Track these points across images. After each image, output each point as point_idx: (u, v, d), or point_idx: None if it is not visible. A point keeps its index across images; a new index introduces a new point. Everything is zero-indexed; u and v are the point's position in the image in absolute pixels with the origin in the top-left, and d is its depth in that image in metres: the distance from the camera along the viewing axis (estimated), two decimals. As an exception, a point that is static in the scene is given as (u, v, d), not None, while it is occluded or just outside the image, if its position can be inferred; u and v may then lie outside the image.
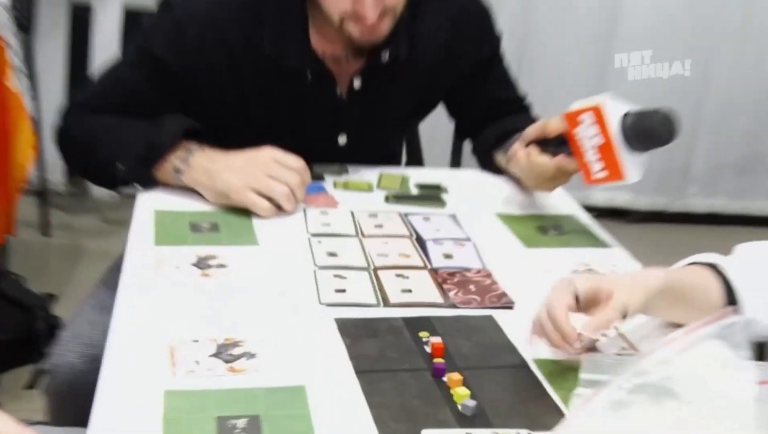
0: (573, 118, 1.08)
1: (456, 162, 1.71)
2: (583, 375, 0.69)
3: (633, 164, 1.05)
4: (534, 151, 1.15)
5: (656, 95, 2.90)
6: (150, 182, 1.17)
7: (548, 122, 1.14)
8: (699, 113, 3.04)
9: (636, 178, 1.05)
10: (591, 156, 1.07)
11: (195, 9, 1.18)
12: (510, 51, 1.46)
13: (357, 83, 1.25)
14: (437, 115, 1.49)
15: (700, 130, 3.07)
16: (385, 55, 1.23)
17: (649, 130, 1.03)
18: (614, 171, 1.05)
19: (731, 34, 2.93)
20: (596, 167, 1.07)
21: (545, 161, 1.13)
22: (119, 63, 1.24)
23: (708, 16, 2.87)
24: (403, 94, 1.30)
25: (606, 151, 1.05)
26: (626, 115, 1.04)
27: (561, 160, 1.12)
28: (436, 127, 1.62)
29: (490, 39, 1.34)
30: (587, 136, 1.06)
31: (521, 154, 1.16)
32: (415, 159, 1.76)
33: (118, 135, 1.17)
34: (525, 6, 2.86)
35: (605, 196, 3.16)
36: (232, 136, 1.20)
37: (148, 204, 1.14)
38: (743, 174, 3.13)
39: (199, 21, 1.17)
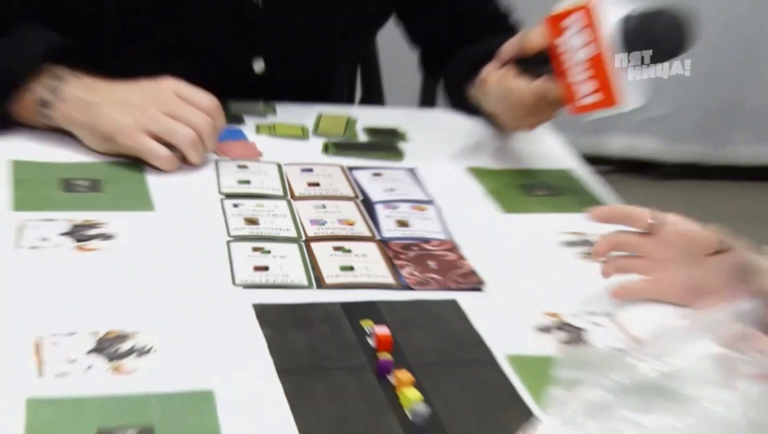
0: (557, 24, 1.09)
1: (427, 100, 1.72)
2: (559, 372, 0.72)
3: (633, 85, 1.07)
4: (510, 73, 1.15)
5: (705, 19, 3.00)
6: (5, 121, 1.17)
7: (528, 33, 1.15)
8: (754, 39, 3.07)
9: (636, 103, 1.07)
10: (578, 74, 1.08)
11: None
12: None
13: None
14: (404, 39, 1.50)
15: (757, 59, 3.09)
16: None
17: (657, 37, 1.05)
18: (607, 94, 1.07)
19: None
20: (584, 89, 1.09)
21: (522, 86, 1.13)
22: None
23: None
24: (338, 6, 1.32)
25: (597, 66, 1.07)
26: (627, 18, 1.06)
27: (541, 83, 1.12)
28: (402, 55, 1.62)
29: None
30: (574, 46, 1.08)
31: (493, 77, 1.17)
32: (373, 95, 1.81)
33: None
34: None
35: (624, 143, 3.20)
36: (113, 58, 1.22)
37: (5, 152, 1.14)
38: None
39: None
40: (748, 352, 0.66)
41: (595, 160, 3.02)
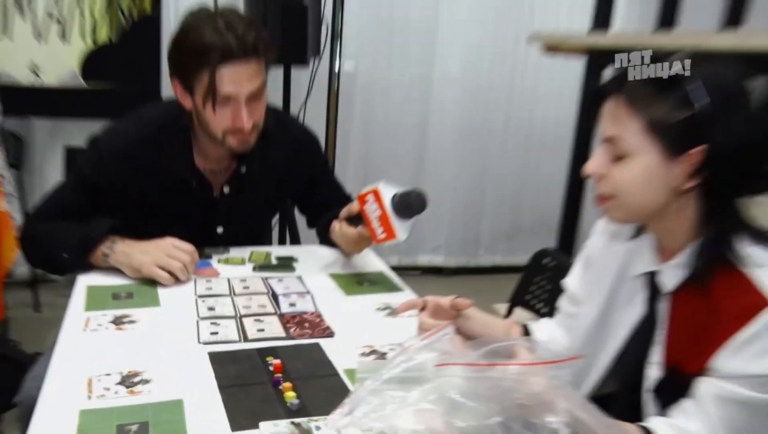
0: (362, 199, 1.09)
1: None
2: (357, 375, 0.71)
3: (402, 227, 1.07)
4: (344, 224, 1.16)
5: (455, 190, 3.09)
6: (86, 266, 1.14)
7: (352, 204, 1.15)
8: (482, 200, 3.22)
9: (404, 236, 1.07)
10: (375, 224, 1.08)
11: (114, 147, 1.17)
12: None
13: (226, 189, 1.25)
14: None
15: (485, 211, 3.24)
16: (243, 168, 1.24)
17: (409, 204, 1.06)
18: (390, 232, 1.07)
19: (498, 136, 3.04)
20: (379, 231, 1.08)
21: (350, 231, 1.15)
22: (61, 185, 1.22)
23: (487, 119, 2.99)
24: (259, 198, 1.29)
25: (383, 219, 1.07)
26: (394, 195, 1.07)
27: (359, 229, 1.13)
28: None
29: (319, 159, 1.37)
30: (372, 210, 1.08)
31: (336, 227, 1.18)
32: (294, 238, 1.79)
33: (63, 234, 1.14)
34: (365, 130, 2.94)
35: (427, 258, 3.23)
36: (141, 230, 1.19)
37: (85, 282, 1.12)
38: (510, 238, 3.30)
39: (117, 155, 1.16)
40: (448, 355, 0.64)
41: (410, 268, 3.11)
